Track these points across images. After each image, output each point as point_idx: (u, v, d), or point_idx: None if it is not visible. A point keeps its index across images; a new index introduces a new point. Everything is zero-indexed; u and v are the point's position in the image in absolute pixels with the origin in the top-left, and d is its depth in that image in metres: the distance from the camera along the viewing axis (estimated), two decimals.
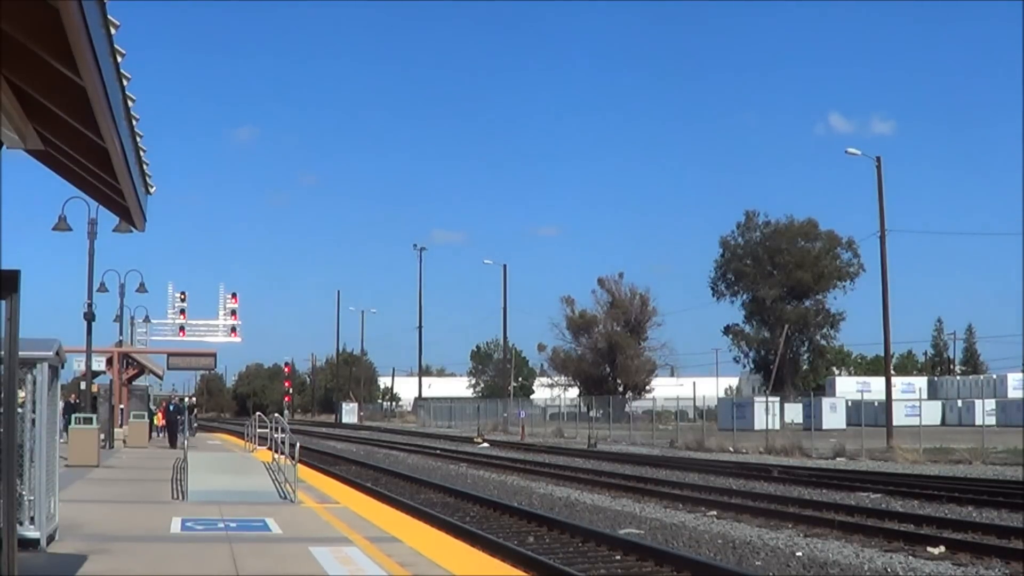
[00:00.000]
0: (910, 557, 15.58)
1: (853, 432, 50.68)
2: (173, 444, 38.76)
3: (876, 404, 58.59)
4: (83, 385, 37.69)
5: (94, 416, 29.90)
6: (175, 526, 14.53)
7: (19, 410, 10.60)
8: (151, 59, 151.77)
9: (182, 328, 63.80)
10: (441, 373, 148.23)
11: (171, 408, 42.60)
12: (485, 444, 55.49)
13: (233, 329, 64.85)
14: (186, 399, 60.99)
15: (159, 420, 38.77)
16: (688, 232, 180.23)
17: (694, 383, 69.53)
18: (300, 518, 15.95)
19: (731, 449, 47.34)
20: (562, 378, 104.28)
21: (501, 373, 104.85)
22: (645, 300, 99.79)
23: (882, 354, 54.25)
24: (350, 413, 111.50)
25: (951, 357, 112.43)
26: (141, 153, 8.04)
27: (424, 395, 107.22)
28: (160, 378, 58.78)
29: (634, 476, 31.17)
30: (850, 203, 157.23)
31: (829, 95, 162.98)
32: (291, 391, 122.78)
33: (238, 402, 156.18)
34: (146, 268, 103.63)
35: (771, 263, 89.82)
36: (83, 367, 36.54)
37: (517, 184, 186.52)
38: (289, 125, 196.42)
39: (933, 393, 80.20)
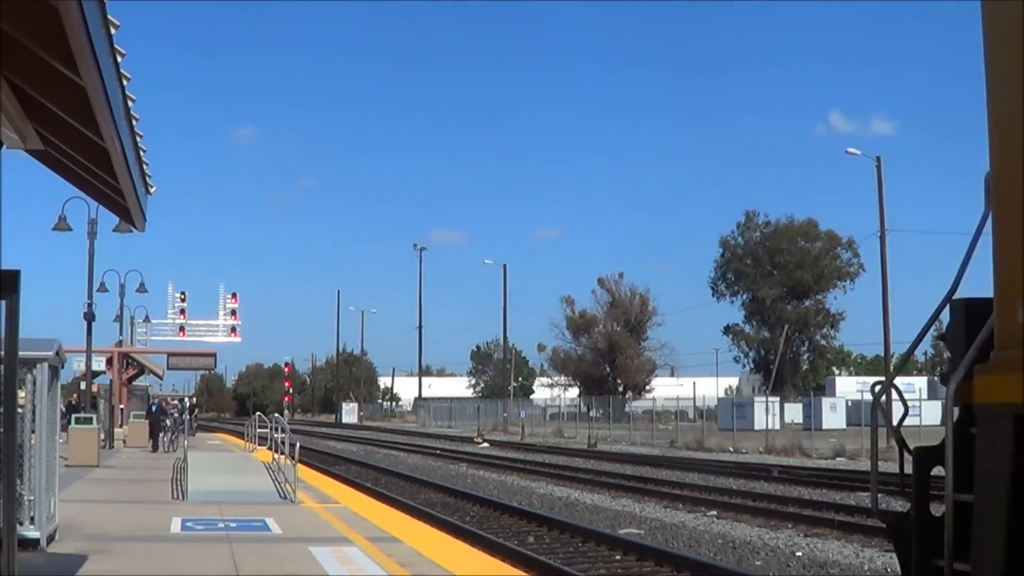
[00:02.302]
0: None
1: (853, 432, 50.68)
2: (155, 446, 35.57)
3: None
4: (83, 385, 37.69)
5: (94, 416, 29.90)
6: (175, 526, 14.54)
7: (19, 410, 10.60)
8: (151, 59, 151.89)
9: (182, 328, 63.78)
10: (441, 373, 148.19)
11: (153, 408, 38.08)
12: (485, 444, 55.49)
13: (233, 329, 64.84)
14: (185, 399, 60.94)
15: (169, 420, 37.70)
16: (688, 232, 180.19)
17: (694, 383, 69.61)
18: (300, 518, 15.96)
19: (731, 449, 47.35)
20: (562, 378, 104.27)
21: (501, 373, 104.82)
22: (645, 300, 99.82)
23: (882, 354, 54.26)
24: (350, 413, 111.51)
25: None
26: (141, 153, 8.05)
27: (424, 395, 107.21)
28: (160, 378, 58.79)
29: (634, 476, 31.16)
30: (850, 203, 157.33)
31: (829, 95, 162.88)
32: (291, 391, 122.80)
33: (238, 402, 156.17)
34: (146, 268, 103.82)
35: (771, 263, 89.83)
36: (83, 367, 36.52)
37: (517, 184, 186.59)
38: (289, 125, 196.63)
39: (933, 393, 80.00)
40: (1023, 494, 4.12)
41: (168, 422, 38.17)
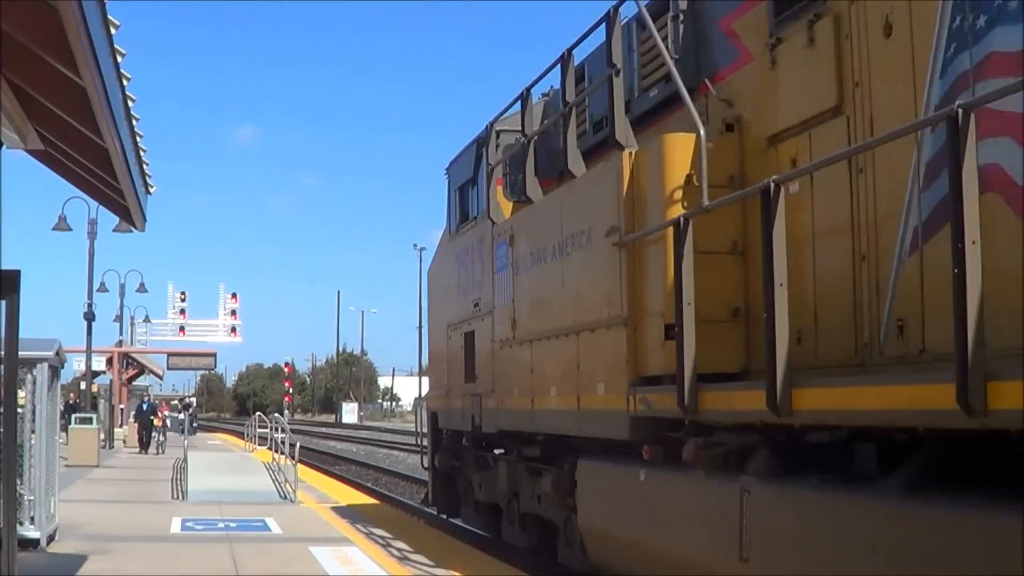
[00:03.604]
0: None
1: None
2: (144, 448, 34.52)
3: None
4: (83, 385, 37.67)
5: (94, 416, 29.90)
6: (175, 526, 14.54)
7: (19, 410, 10.60)
8: (152, 59, 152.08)
9: (182, 328, 63.69)
10: None
11: (143, 407, 36.15)
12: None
13: (233, 329, 64.75)
14: (186, 399, 60.84)
15: (158, 420, 37.01)
16: None
17: None
18: (300, 518, 15.96)
19: None
20: None
21: None
22: None
23: None
24: (350, 413, 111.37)
25: None
26: (141, 153, 8.05)
27: (424, 395, 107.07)
28: (160, 378, 58.79)
29: None
30: None
31: None
32: (291, 391, 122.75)
33: (238, 402, 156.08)
34: (146, 268, 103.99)
35: None
36: (83, 367, 36.51)
37: None
38: (290, 126, 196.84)
39: None
40: (434, 436, 15.91)
41: (159, 423, 36.59)
